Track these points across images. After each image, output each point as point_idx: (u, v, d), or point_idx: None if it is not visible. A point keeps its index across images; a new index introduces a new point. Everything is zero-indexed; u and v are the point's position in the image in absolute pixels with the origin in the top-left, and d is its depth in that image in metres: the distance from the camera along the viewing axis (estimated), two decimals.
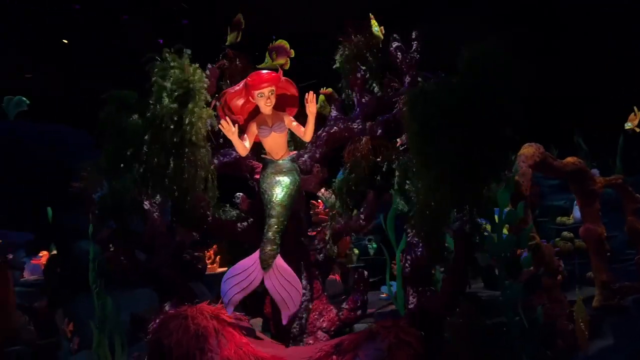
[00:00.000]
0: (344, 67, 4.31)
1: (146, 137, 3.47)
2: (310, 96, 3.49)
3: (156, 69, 3.54)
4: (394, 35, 4.27)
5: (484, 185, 2.91)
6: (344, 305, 3.79)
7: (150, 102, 3.49)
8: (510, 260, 3.58)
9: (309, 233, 4.24)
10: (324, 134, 4.16)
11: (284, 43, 4.28)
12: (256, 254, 3.42)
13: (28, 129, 6.96)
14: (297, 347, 3.44)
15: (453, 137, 2.77)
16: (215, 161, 3.93)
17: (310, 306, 3.74)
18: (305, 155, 4.11)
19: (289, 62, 4.25)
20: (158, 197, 3.93)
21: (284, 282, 3.36)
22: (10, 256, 5.90)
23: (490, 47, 2.85)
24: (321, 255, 3.90)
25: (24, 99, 7.08)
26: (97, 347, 4.16)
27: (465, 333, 3.36)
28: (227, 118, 3.51)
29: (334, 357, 2.97)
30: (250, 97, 3.59)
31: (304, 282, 3.75)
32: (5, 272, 5.43)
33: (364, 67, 4.21)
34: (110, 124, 3.61)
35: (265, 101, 3.49)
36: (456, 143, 2.77)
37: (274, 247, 3.38)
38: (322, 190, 4.28)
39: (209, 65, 4.24)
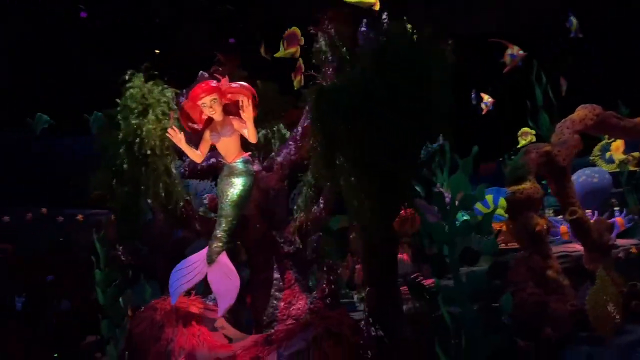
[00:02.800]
0: (318, 59, 4.34)
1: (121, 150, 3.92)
2: (245, 102, 3.60)
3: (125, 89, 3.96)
4: (364, 19, 4.18)
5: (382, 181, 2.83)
6: (314, 294, 3.92)
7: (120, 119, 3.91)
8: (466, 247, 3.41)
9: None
10: (300, 129, 4.25)
11: (296, 30, 4.40)
12: (204, 250, 3.69)
13: None
14: (253, 336, 3.66)
15: (348, 139, 2.75)
16: (200, 165, 4.27)
17: (281, 295, 3.94)
18: (283, 153, 4.24)
19: (299, 49, 4.38)
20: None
21: (223, 277, 3.58)
22: None
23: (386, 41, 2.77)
24: (292, 247, 4.04)
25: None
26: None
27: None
28: (175, 127, 3.75)
29: (260, 347, 3.16)
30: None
31: (276, 273, 3.97)
32: None
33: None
34: (99, 140, 4.13)
35: (208, 110, 3.68)
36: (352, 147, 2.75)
37: (220, 244, 3.63)
38: None
39: (201, 72, 4.58)
